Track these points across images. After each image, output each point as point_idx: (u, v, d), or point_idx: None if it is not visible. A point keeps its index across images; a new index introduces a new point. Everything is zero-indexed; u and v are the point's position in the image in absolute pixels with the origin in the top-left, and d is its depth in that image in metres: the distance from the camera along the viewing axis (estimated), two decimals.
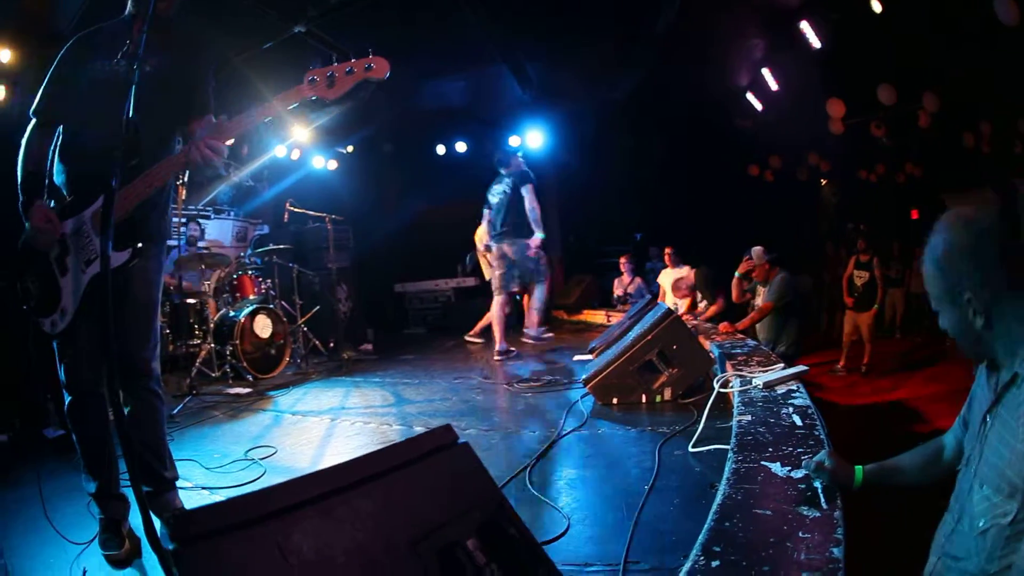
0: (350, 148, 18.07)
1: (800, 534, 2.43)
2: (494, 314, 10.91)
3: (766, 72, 13.88)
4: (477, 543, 2.04)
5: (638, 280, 15.93)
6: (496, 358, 10.31)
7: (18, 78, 9.27)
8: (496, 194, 11.43)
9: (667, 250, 13.96)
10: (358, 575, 1.83)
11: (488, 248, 11.84)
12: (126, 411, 3.99)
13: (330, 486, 2.00)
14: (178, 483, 4.35)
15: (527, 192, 10.91)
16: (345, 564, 1.82)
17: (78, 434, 4.06)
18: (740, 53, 13.43)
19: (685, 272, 13.45)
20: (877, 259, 13.10)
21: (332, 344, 12.72)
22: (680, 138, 17.56)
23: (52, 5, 8.85)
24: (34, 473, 5.76)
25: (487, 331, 12.86)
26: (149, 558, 3.87)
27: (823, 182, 23.78)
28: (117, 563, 3.89)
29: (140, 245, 3.74)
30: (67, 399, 4.01)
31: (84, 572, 3.82)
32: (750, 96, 15.13)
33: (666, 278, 13.99)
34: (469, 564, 1.97)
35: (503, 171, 11.45)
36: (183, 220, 11.53)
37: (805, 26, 11.57)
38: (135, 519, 4.14)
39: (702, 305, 12.55)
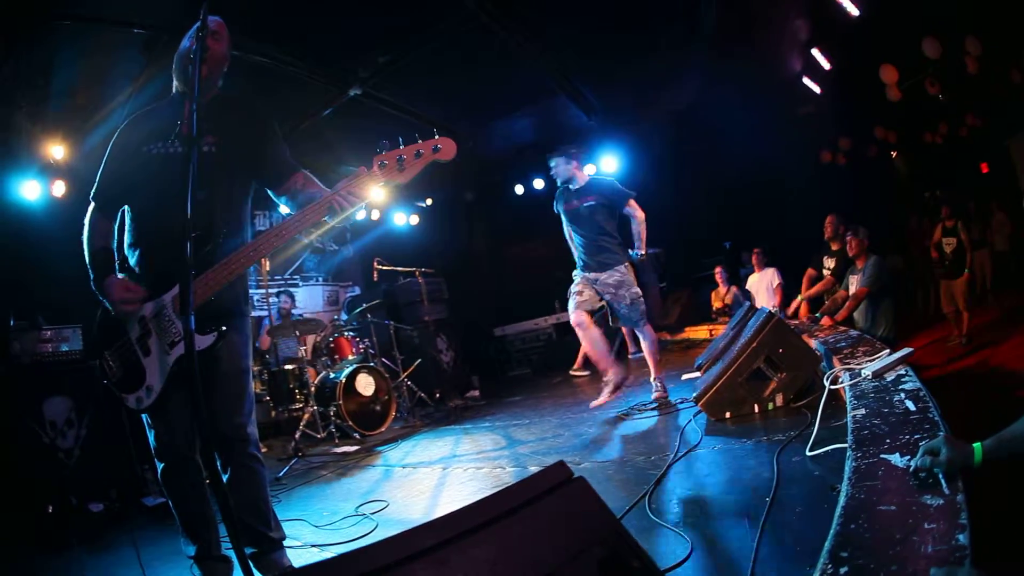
0: (429, 201, 18.27)
1: (925, 525, 2.34)
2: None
3: (816, 52, 13.73)
4: None
5: (734, 289, 15.89)
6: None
7: (73, 172, 9.57)
8: None
9: (755, 251, 13.84)
10: None
11: None
12: (226, 477, 4.01)
13: (443, 536, 1.95)
14: (287, 542, 4.37)
15: None
16: None
17: (173, 499, 4.13)
18: (787, 37, 13.30)
19: (771, 274, 13.32)
20: (961, 222, 12.76)
21: (438, 394, 12.81)
22: (749, 136, 17.39)
23: (100, 98, 9.05)
24: (132, 537, 5.88)
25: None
26: None
27: (893, 154, 23.31)
28: None
29: (224, 328, 3.78)
30: (160, 466, 4.08)
31: None
32: (806, 80, 14.94)
33: (755, 282, 13.88)
34: None
35: None
36: (272, 291, 11.72)
37: None
38: None
39: (827, 271, 12.15)
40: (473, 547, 1.96)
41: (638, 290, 8.43)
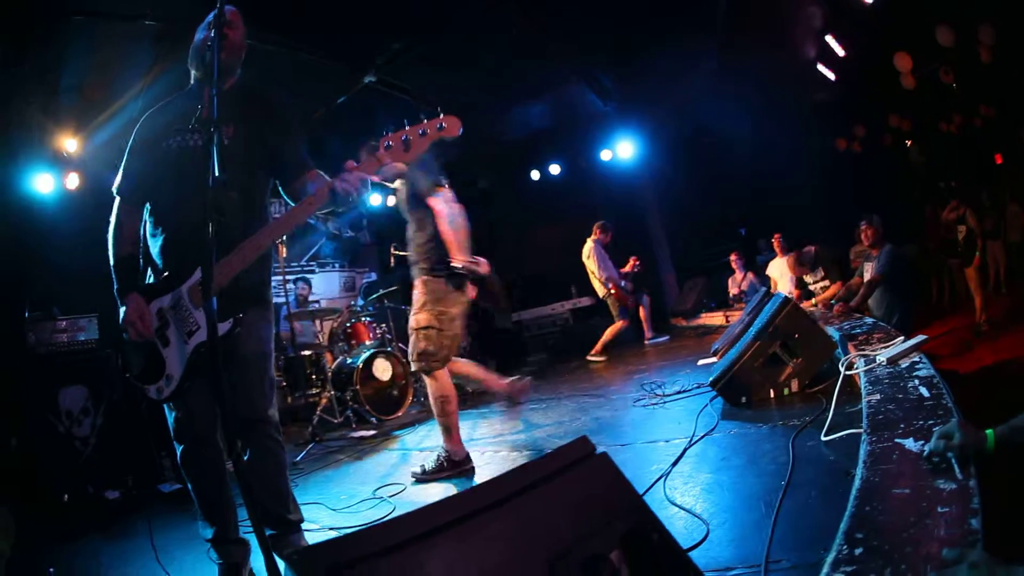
0: None
1: (939, 509, 2.38)
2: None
3: (830, 39, 13.67)
4: (620, 555, 1.99)
5: (750, 275, 15.92)
6: None
7: (85, 164, 9.78)
8: None
9: (776, 236, 13.85)
10: None
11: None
12: (245, 458, 4.04)
13: (466, 509, 1.96)
14: (304, 525, 4.41)
15: None
16: None
17: (192, 482, 4.17)
18: (800, 24, 13.29)
19: (794, 259, 13.38)
20: (970, 210, 12.71)
21: None
22: (763, 124, 17.37)
23: (112, 91, 9.08)
24: (147, 523, 5.91)
25: (609, 348, 12.97)
26: None
27: (908, 143, 23.15)
28: None
29: (241, 315, 3.82)
30: (179, 448, 4.12)
31: None
32: (821, 67, 14.93)
33: (775, 268, 13.91)
34: None
35: None
36: (289, 278, 11.78)
37: None
38: (257, 562, 4.27)
39: (818, 286, 12.32)
40: (496, 521, 1.97)
41: (437, 324, 6.19)
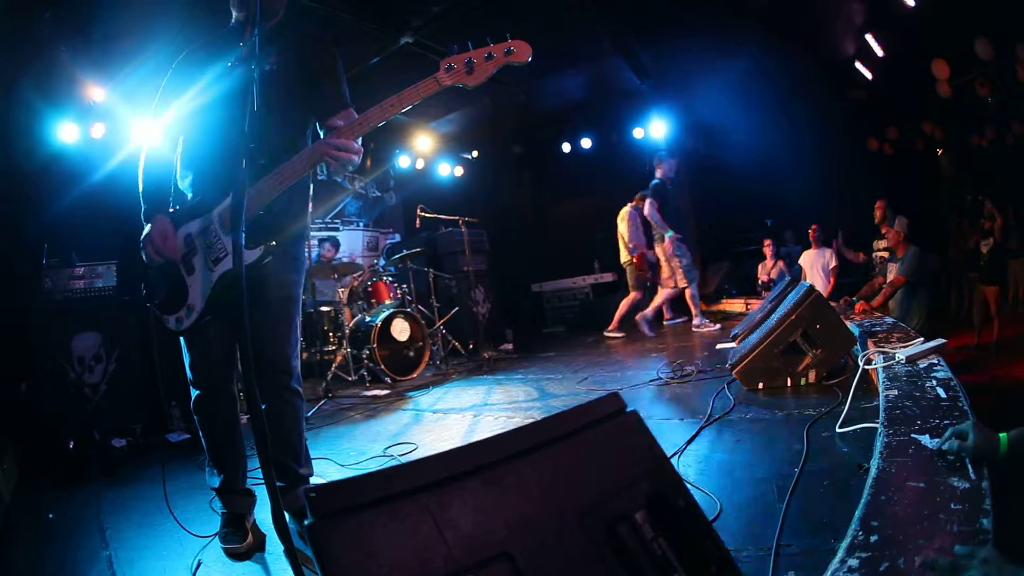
0: (475, 153, 18.38)
1: (952, 505, 2.42)
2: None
3: (870, 38, 13.62)
4: (645, 516, 1.98)
5: (780, 264, 15.83)
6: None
7: (111, 113, 9.83)
8: None
9: (814, 226, 13.80)
10: (521, 549, 1.75)
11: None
12: (263, 408, 3.86)
13: (497, 455, 1.96)
14: (312, 480, 4.41)
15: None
16: (508, 538, 1.75)
17: (204, 429, 4.15)
18: (841, 19, 13.25)
19: (829, 254, 13.36)
20: (1000, 217, 12.65)
21: (472, 345, 12.92)
22: (798, 116, 17.30)
23: (144, 39, 9.07)
24: (154, 472, 6.16)
25: (626, 324, 13.06)
26: (272, 552, 3.99)
27: (939, 151, 22.99)
28: (238, 556, 3.96)
29: (273, 243, 3.74)
30: (193, 394, 4.09)
31: (199, 564, 3.89)
32: (859, 65, 14.86)
33: (809, 258, 13.88)
34: (636, 538, 1.90)
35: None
36: (320, 237, 11.83)
37: None
38: (260, 514, 4.28)
39: (880, 255, 12.31)
40: (525, 469, 1.96)
41: None
